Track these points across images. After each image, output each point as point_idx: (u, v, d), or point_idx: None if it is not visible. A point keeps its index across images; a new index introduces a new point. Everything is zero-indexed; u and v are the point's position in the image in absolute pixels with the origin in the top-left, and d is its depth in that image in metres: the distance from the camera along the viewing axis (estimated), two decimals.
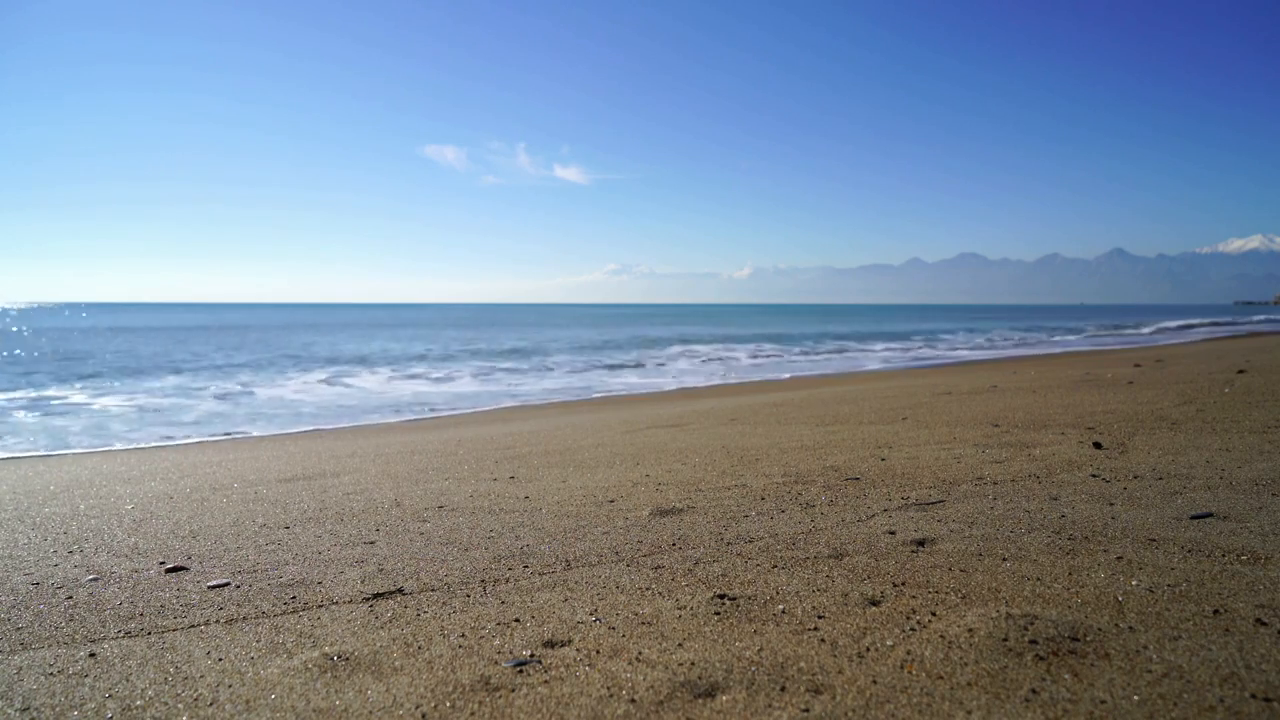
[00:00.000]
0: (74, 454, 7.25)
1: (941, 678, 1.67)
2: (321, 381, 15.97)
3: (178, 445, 7.78)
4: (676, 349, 26.55)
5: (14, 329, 44.89)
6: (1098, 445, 4.39)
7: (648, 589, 2.35)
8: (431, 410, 11.16)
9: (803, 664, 1.76)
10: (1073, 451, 4.28)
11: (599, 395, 13.12)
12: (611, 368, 19.44)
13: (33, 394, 13.55)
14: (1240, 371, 8.26)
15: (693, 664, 1.79)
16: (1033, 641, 1.80)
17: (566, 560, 2.70)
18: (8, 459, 6.94)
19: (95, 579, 2.69)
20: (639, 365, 20.06)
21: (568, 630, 2.04)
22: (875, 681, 1.67)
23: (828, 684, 1.67)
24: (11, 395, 13.36)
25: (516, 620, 2.14)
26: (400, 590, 2.45)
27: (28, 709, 1.74)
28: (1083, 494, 3.30)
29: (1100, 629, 1.86)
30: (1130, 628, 1.87)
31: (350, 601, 2.37)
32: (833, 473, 4.01)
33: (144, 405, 12.02)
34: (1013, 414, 5.85)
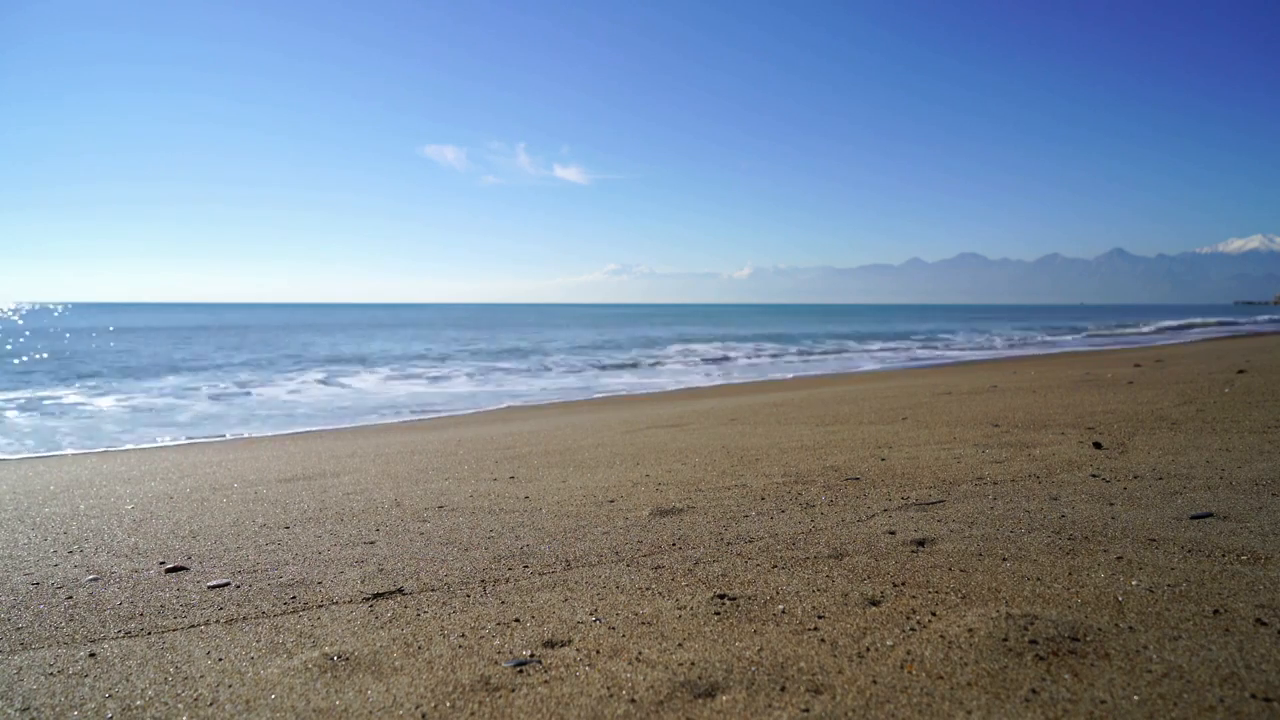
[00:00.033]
0: (74, 454, 7.26)
1: (941, 678, 1.67)
2: (319, 381, 15.94)
3: (178, 445, 7.78)
4: (676, 349, 26.54)
5: (13, 329, 44.88)
6: (1098, 445, 4.39)
7: (648, 589, 2.35)
8: (419, 411, 11.15)
9: (803, 664, 1.77)
10: (1073, 451, 4.28)
11: (599, 395, 13.12)
12: (611, 368, 19.44)
13: (27, 394, 13.53)
14: (1240, 371, 8.26)
15: (693, 664, 1.79)
16: (1033, 641, 1.80)
17: (566, 560, 2.70)
18: (7, 459, 6.94)
19: (95, 579, 2.69)
20: (638, 365, 20.05)
21: (568, 630, 2.04)
22: (875, 681, 1.67)
23: (828, 684, 1.67)
24: (7, 395, 13.35)
25: (516, 620, 2.14)
26: (400, 590, 2.45)
27: (28, 709, 1.74)
28: (1083, 494, 3.30)
29: (1100, 629, 1.86)
30: (1130, 628, 1.87)
31: (350, 601, 2.37)
32: (833, 473, 4.01)
33: (138, 406, 12.01)
34: (1013, 414, 5.85)
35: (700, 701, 1.63)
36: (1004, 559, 2.44)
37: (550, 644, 1.96)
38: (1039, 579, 2.24)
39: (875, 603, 2.13)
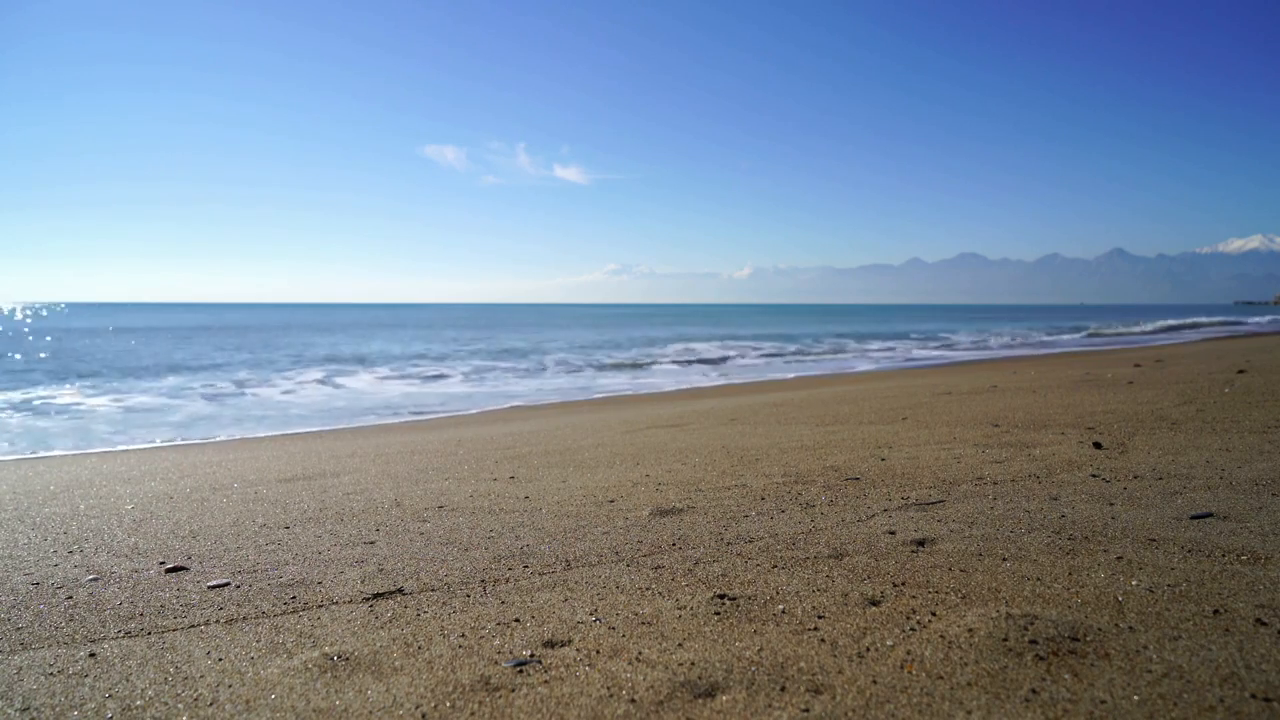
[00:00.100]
0: (74, 454, 7.25)
1: (941, 678, 1.67)
2: (317, 382, 15.91)
3: (178, 445, 7.78)
4: (676, 349, 26.54)
5: (13, 329, 44.88)
6: (1098, 445, 4.39)
7: (648, 589, 2.35)
8: (417, 412, 11.15)
9: (803, 664, 1.77)
10: (1073, 451, 4.28)
11: (599, 395, 13.12)
12: (610, 368, 19.43)
13: (23, 394, 13.52)
14: (1240, 371, 8.26)
15: (693, 664, 1.79)
16: (1033, 641, 1.80)
17: (566, 560, 2.70)
18: (7, 460, 6.94)
19: (95, 579, 2.69)
20: (638, 365, 20.04)
21: (568, 630, 2.04)
22: (875, 681, 1.67)
23: (828, 684, 1.67)
24: (4, 395, 13.35)
25: (516, 620, 2.14)
26: (400, 590, 2.45)
27: (28, 709, 1.74)
28: (1083, 494, 3.30)
29: (1100, 629, 1.86)
30: (1130, 628, 1.87)
31: (350, 601, 2.37)
32: (833, 473, 4.01)
33: (133, 406, 11.99)
34: (1013, 414, 5.85)
35: (700, 701, 1.63)
36: (1004, 559, 2.44)
37: (550, 644, 1.96)
38: (1039, 579, 2.24)
39: (875, 603, 2.13)
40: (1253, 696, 1.53)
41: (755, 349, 25.99)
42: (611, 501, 3.61)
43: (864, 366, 18.19)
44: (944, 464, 4.11)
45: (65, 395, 13.39)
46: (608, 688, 1.70)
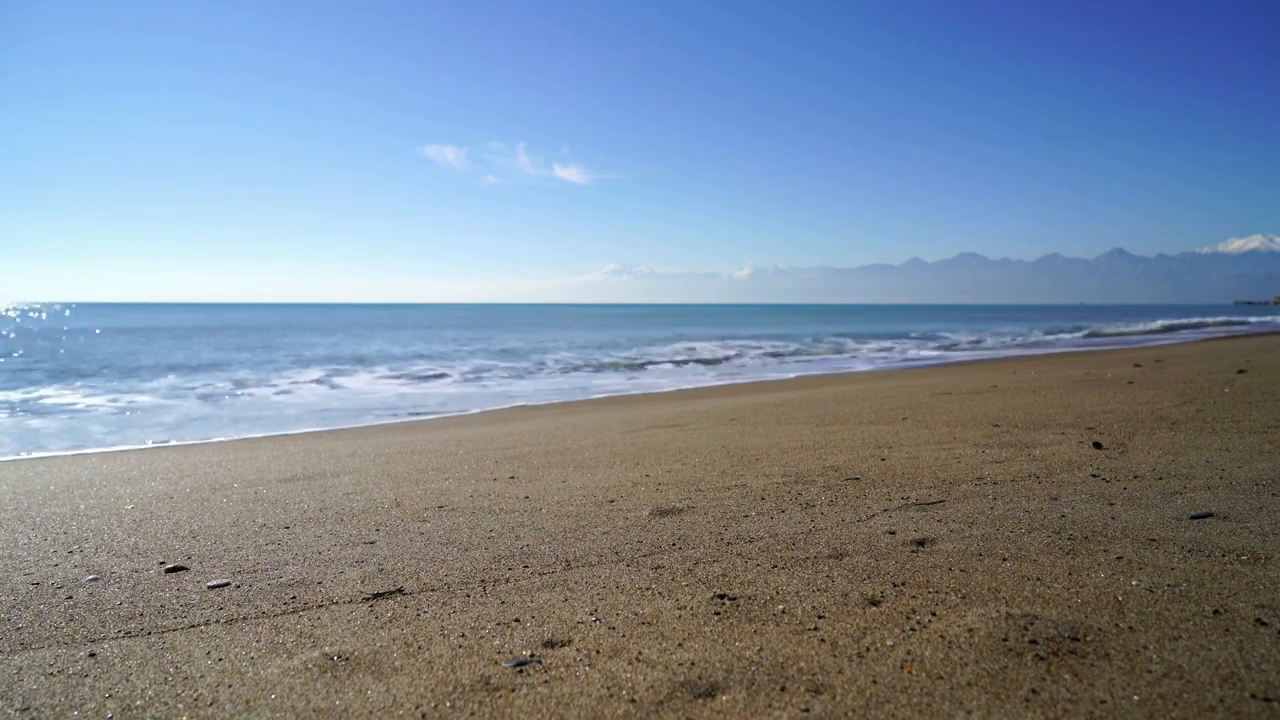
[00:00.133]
0: (74, 454, 7.25)
1: (941, 678, 1.67)
2: (314, 382, 15.89)
3: (178, 446, 7.78)
4: (676, 349, 26.53)
5: (12, 329, 44.89)
6: (1098, 445, 4.39)
7: (648, 589, 2.35)
8: (415, 413, 11.14)
9: (803, 664, 1.77)
10: (1073, 451, 4.28)
11: (599, 395, 13.12)
12: (610, 368, 19.43)
13: (21, 394, 13.51)
14: (1240, 371, 8.26)
15: (693, 664, 1.79)
16: (1033, 641, 1.80)
17: (566, 560, 2.70)
18: (7, 460, 6.94)
19: (95, 579, 2.69)
20: (638, 365, 20.04)
21: (568, 630, 2.04)
22: (875, 681, 1.67)
23: (828, 684, 1.67)
24: (2, 395, 13.35)
25: (516, 620, 2.14)
26: (400, 590, 2.45)
27: (28, 709, 1.74)
28: (1083, 494, 3.30)
29: (1100, 629, 1.86)
30: (1130, 628, 1.87)
31: (350, 601, 2.37)
32: (833, 473, 4.01)
33: (129, 406, 11.98)
34: (1013, 414, 5.85)
35: (700, 701, 1.63)
36: (1004, 559, 2.44)
37: (550, 644, 1.96)
38: (1039, 579, 2.24)
39: (875, 603, 2.13)
40: (1253, 696, 1.53)
41: (755, 349, 25.99)
42: (611, 501, 3.61)
43: (864, 366, 18.19)
44: (944, 464, 4.11)
45: (64, 395, 13.39)
46: (608, 688, 1.70)
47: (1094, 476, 3.63)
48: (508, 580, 2.51)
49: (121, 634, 2.18)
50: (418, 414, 10.69)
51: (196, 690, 1.79)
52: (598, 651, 1.90)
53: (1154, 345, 20.98)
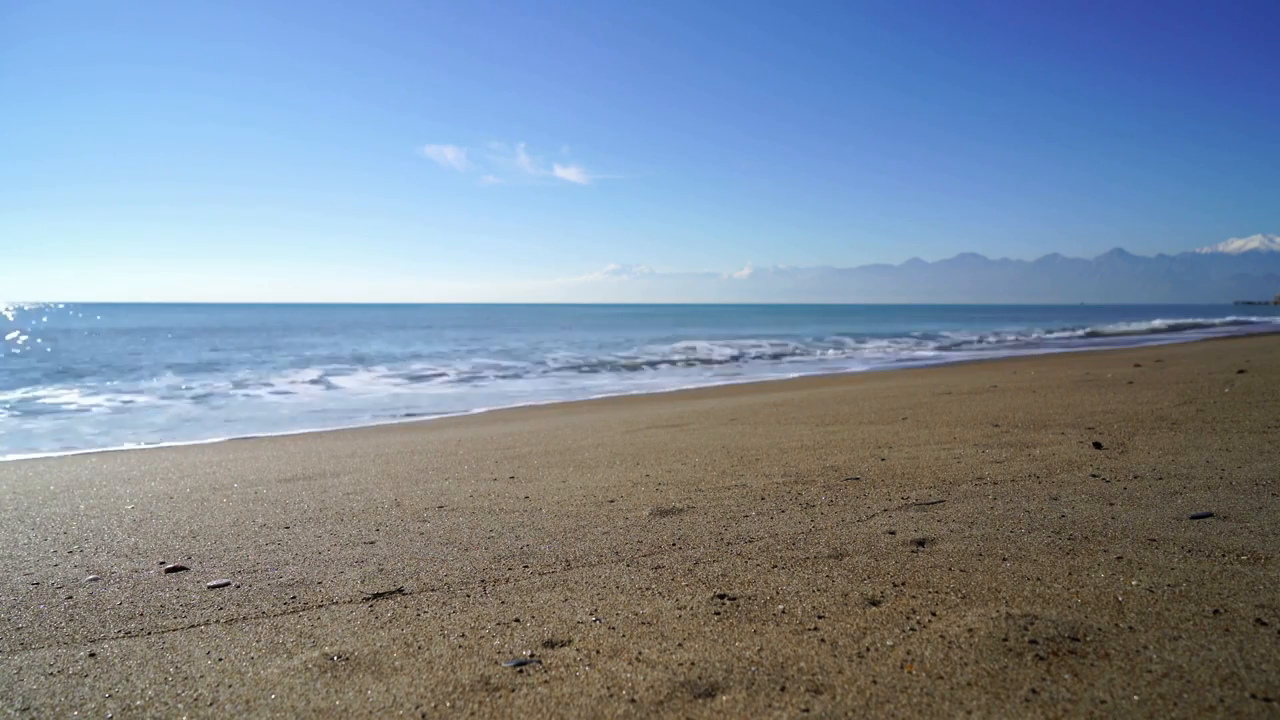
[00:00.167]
0: (74, 454, 7.25)
1: (941, 678, 1.67)
2: (312, 382, 15.85)
3: (179, 446, 7.77)
4: (676, 349, 26.53)
5: (12, 329, 44.88)
6: (1098, 445, 4.39)
7: (648, 589, 2.35)
8: (413, 413, 11.14)
9: (803, 664, 1.77)
10: (1073, 451, 4.28)
11: (599, 395, 13.12)
12: (610, 367, 19.42)
13: (21, 394, 13.50)
14: (1240, 371, 8.26)
15: (693, 664, 1.79)
16: (1033, 641, 1.80)
17: (566, 560, 2.70)
18: (7, 460, 6.93)
19: (95, 579, 2.69)
20: (638, 365, 20.03)
21: (568, 630, 2.04)
22: (875, 681, 1.67)
23: (828, 684, 1.67)
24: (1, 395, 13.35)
25: (516, 620, 2.14)
26: (400, 590, 2.45)
27: (28, 709, 1.74)
28: (1083, 494, 3.30)
29: (1100, 629, 1.86)
30: (1130, 628, 1.87)
31: (350, 601, 2.37)
32: (833, 473, 4.01)
33: (125, 406, 11.96)
34: (1013, 414, 5.85)
35: (700, 701, 1.63)
36: (1004, 559, 2.44)
37: (550, 644, 1.96)
38: (1039, 579, 2.24)
39: (875, 603, 2.13)
40: (1253, 696, 1.53)
41: (755, 349, 25.98)
42: (611, 501, 3.61)
43: (864, 366, 18.19)
44: (944, 464, 4.11)
45: (61, 395, 13.38)
46: (608, 688, 1.70)
47: (1094, 476, 3.63)
48: (508, 580, 2.51)
49: (121, 634, 2.18)
50: (420, 415, 10.69)
51: (196, 690, 1.79)
52: (598, 651, 1.90)
53: (1154, 345, 20.98)
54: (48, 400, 12.64)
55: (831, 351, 24.48)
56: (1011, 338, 31.04)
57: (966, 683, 1.64)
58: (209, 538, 3.21)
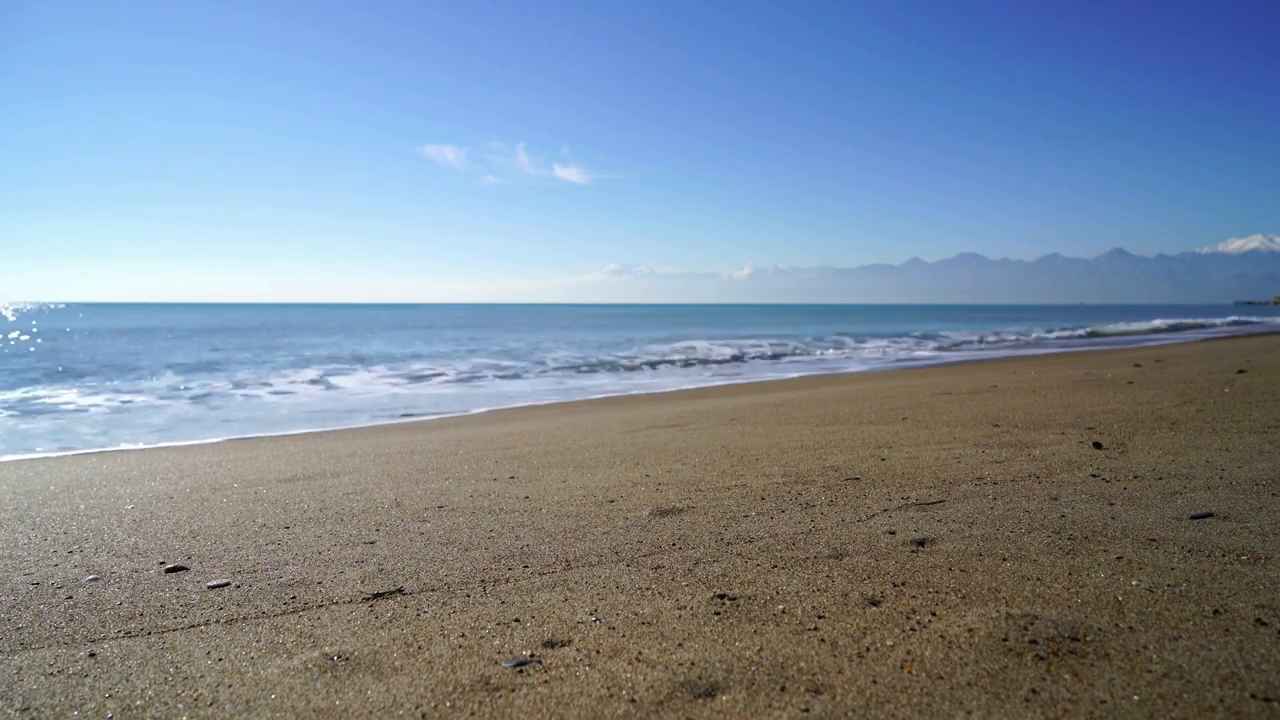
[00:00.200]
0: (74, 454, 7.25)
1: (941, 678, 1.67)
2: (311, 382, 15.84)
3: (179, 446, 7.77)
4: (676, 349, 26.53)
5: (12, 329, 44.87)
6: (1098, 445, 4.39)
7: (648, 589, 2.35)
8: (412, 413, 11.14)
9: (803, 664, 1.77)
10: (1073, 451, 4.28)
11: (599, 395, 13.12)
12: (610, 367, 19.41)
13: (16, 394, 13.49)
14: (1240, 371, 8.26)
15: (693, 664, 1.79)
16: (1033, 641, 1.80)
17: (566, 560, 2.70)
18: (7, 460, 6.93)
19: (95, 579, 2.69)
20: (638, 365, 20.03)
21: (568, 630, 2.04)
22: (875, 681, 1.67)
23: (828, 684, 1.67)
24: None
25: (516, 620, 2.14)
26: (400, 590, 2.45)
27: (28, 709, 1.74)
28: (1083, 494, 3.30)
29: (1100, 629, 1.86)
30: (1130, 628, 1.87)
31: (350, 601, 2.37)
32: (833, 473, 4.01)
33: (124, 406, 11.96)
34: (1013, 414, 5.85)
35: (700, 701, 1.63)
36: (1004, 559, 2.44)
37: (550, 644, 1.96)
38: (1039, 579, 2.24)
39: (875, 603, 2.13)
40: (1253, 696, 1.53)
41: (755, 349, 25.98)
42: (611, 501, 3.61)
43: (863, 366, 18.19)
44: (944, 464, 4.11)
45: (60, 395, 13.38)
46: (608, 688, 1.70)
47: (1094, 476, 3.64)
48: (508, 580, 2.51)
49: (121, 634, 2.18)
50: (419, 415, 10.68)
51: (196, 690, 1.79)
52: (598, 651, 1.90)
53: (1154, 345, 20.98)
54: (47, 400, 12.65)
55: (831, 351, 24.48)
56: (1011, 338, 31.03)
57: (966, 683, 1.64)
58: (209, 538, 3.21)
